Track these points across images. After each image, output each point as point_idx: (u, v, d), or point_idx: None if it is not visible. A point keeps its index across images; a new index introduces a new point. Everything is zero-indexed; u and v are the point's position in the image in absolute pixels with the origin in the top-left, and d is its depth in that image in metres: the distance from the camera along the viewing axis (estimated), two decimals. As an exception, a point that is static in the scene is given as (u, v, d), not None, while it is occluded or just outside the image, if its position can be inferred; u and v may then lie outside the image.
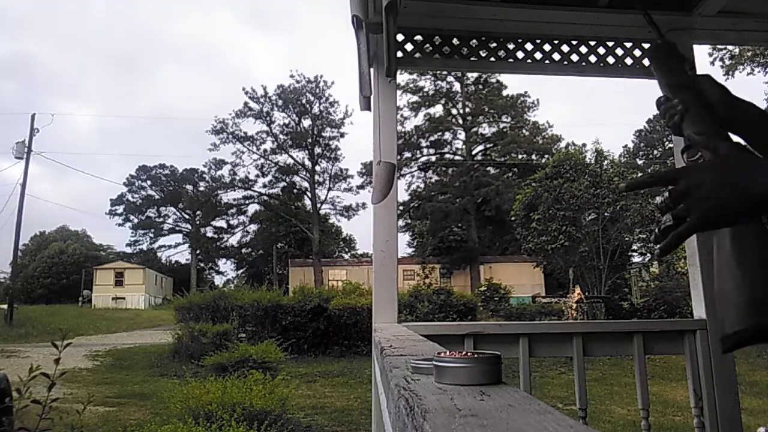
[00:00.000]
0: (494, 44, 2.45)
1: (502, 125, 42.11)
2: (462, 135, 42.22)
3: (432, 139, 41.68)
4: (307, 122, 44.44)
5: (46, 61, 74.80)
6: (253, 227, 49.19)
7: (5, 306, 22.86)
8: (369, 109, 2.38)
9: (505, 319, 18.57)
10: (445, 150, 42.43)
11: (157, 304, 38.88)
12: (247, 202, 47.46)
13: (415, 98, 40.52)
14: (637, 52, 2.54)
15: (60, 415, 3.11)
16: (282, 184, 45.87)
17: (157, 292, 41.70)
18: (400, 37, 2.38)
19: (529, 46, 2.46)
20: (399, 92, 2.67)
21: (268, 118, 43.92)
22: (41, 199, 65.73)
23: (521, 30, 2.45)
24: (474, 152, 42.18)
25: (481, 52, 2.44)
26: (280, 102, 43.77)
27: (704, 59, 22.48)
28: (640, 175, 25.83)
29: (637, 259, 27.68)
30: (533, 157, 40.65)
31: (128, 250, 50.49)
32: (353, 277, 28.03)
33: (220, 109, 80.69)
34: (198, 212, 49.59)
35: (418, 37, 2.42)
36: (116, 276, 39.72)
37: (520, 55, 2.47)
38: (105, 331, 21.52)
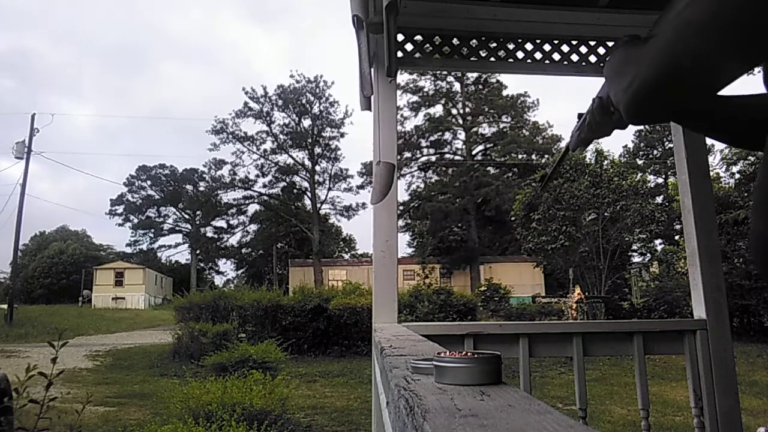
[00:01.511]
0: (494, 44, 2.45)
1: (502, 125, 42.14)
2: (462, 135, 42.26)
3: (432, 139, 41.69)
4: (307, 122, 44.52)
5: (44, 57, 74.87)
6: (253, 227, 49.28)
7: (5, 306, 22.86)
8: (370, 109, 2.38)
9: (505, 319, 18.57)
10: (445, 150, 42.47)
11: (157, 304, 38.89)
12: (247, 202, 47.54)
13: (415, 98, 40.55)
14: (637, 52, 2.54)
15: (59, 414, 3.12)
16: (282, 184, 45.92)
17: (157, 292, 41.71)
18: (400, 37, 2.38)
19: (529, 46, 2.46)
20: (399, 92, 2.67)
21: (268, 118, 43.97)
22: (41, 199, 65.89)
23: (521, 30, 2.45)
24: (474, 152, 42.19)
25: (481, 52, 2.44)
26: (280, 102, 43.81)
27: (704, 59, 22.44)
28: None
29: (637, 259, 27.72)
30: (533, 157, 40.65)
31: (128, 250, 50.65)
32: (353, 277, 28.05)
33: (221, 108, 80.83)
34: (198, 212, 49.62)
35: (418, 37, 2.42)
36: (116, 276, 39.74)
37: (520, 55, 2.46)
38: (105, 331, 21.52)
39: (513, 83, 44.57)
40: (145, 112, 68.66)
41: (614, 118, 1.08)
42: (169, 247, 52.31)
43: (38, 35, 75.86)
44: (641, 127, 40.88)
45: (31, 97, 70.98)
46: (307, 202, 45.91)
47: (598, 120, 1.11)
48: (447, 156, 42.42)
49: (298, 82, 43.61)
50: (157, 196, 50.30)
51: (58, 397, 3.00)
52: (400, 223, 39.40)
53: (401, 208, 38.50)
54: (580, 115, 1.18)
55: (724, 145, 24.93)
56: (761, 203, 0.72)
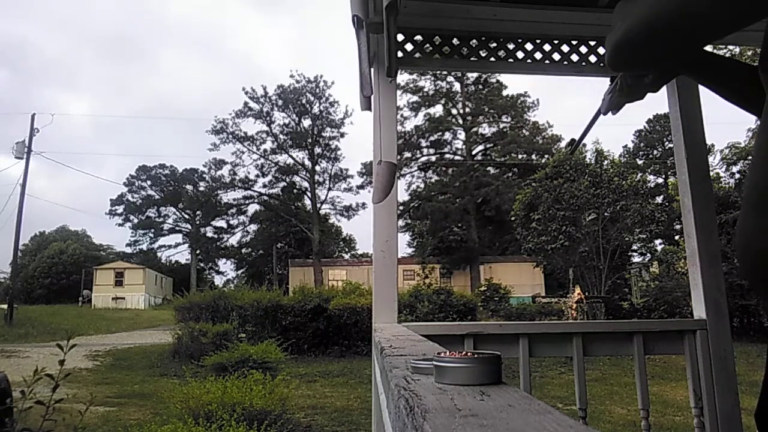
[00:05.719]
0: (494, 44, 2.45)
1: (502, 125, 42.14)
2: (462, 135, 42.26)
3: (432, 139, 41.69)
4: (307, 122, 44.52)
5: (39, 48, 73.22)
6: (253, 227, 49.28)
7: (5, 306, 22.85)
8: (370, 109, 2.38)
9: (505, 319, 18.57)
10: (445, 150, 42.47)
11: (157, 304, 38.89)
12: (247, 202, 47.55)
13: (415, 98, 40.55)
14: (637, 52, 2.53)
15: (62, 416, 3.11)
16: (282, 184, 45.93)
17: (157, 292, 41.70)
18: (400, 37, 2.38)
19: (529, 46, 2.46)
20: (399, 92, 2.67)
21: (268, 118, 43.97)
22: (41, 198, 65.70)
23: (521, 30, 2.44)
24: (474, 152, 42.19)
25: (481, 52, 2.44)
26: (280, 102, 43.82)
27: (704, 59, 22.41)
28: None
29: (637, 259, 27.72)
30: (533, 157, 40.67)
31: (128, 250, 50.65)
32: (353, 277, 28.05)
33: (221, 104, 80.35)
34: (198, 212, 49.62)
35: (418, 37, 2.42)
36: (116, 276, 39.73)
37: (520, 55, 2.46)
38: (105, 331, 21.53)
39: (513, 83, 44.64)
40: (145, 106, 68.27)
41: (646, 81, 1.07)
42: (169, 247, 52.37)
43: (32, 25, 73.84)
44: (641, 127, 40.97)
45: (26, 90, 70.06)
46: (307, 202, 45.93)
47: (630, 83, 1.11)
48: (447, 156, 42.44)
49: (298, 82, 43.67)
50: (157, 196, 50.30)
51: (62, 398, 3.00)
52: (400, 223, 39.40)
53: (401, 208, 38.51)
54: (612, 79, 1.18)
55: (725, 145, 24.95)
56: (754, 203, 0.71)
